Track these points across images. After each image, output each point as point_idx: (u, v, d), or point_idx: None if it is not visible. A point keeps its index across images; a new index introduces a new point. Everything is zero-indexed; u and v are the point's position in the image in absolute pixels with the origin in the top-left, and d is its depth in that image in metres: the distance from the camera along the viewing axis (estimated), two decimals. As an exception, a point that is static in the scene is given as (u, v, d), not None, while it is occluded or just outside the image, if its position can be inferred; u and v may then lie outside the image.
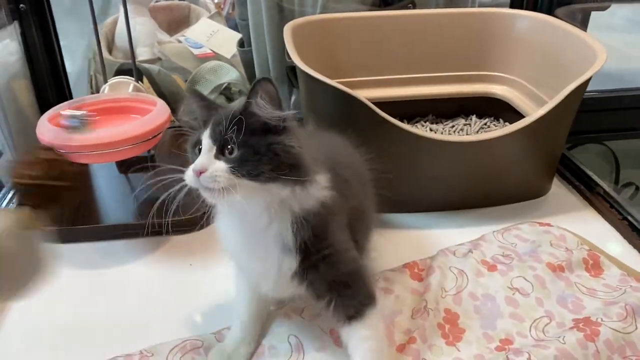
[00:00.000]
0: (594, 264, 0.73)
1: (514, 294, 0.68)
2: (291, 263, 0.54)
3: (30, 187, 0.41)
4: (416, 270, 0.72)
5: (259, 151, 0.50)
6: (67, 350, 0.65)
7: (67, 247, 0.81)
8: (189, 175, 0.51)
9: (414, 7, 1.07)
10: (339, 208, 0.56)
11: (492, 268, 0.72)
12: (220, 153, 0.51)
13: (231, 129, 0.50)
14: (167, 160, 0.94)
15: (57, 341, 0.66)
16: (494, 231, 0.79)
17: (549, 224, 0.80)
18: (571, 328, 0.62)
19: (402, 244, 0.81)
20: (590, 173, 0.93)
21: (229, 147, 0.51)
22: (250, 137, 0.51)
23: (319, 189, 0.54)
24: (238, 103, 0.54)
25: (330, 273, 0.55)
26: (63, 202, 0.42)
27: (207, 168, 0.50)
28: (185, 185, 0.51)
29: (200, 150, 0.52)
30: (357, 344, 0.56)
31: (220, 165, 0.50)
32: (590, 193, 0.90)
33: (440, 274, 0.70)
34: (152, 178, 0.56)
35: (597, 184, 0.90)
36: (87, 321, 0.69)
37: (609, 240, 0.81)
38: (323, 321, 0.63)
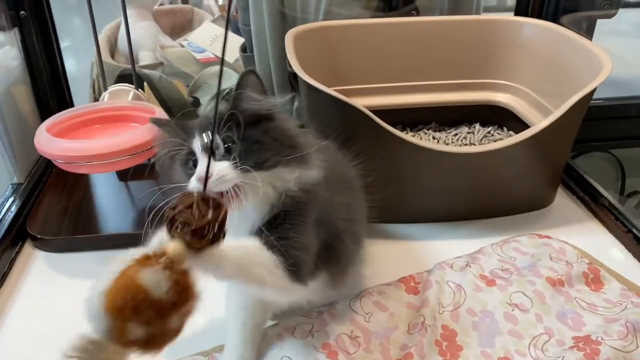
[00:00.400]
0: (594, 278, 0.72)
1: (512, 310, 0.67)
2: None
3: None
4: (412, 284, 0.71)
5: (257, 140, 0.50)
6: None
7: (67, 256, 0.81)
8: (192, 185, 0.49)
9: (418, 14, 1.06)
10: (321, 196, 0.55)
11: (490, 283, 0.70)
12: (226, 153, 0.50)
13: (224, 128, 0.50)
14: (166, 169, 0.95)
15: (53, 351, 0.66)
16: (492, 244, 0.78)
17: (548, 237, 0.79)
18: (571, 347, 0.61)
19: (401, 255, 0.80)
20: (595, 184, 0.91)
21: (225, 146, 0.50)
22: (245, 130, 0.50)
23: (316, 167, 0.53)
24: (212, 106, 0.54)
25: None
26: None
27: (211, 172, 0.48)
28: None
29: (195, 162, 0.51)
30: None
31: (224, 164, 0.49)
32: (595, 204, 0.88)
33: (437, 289, 0.69)
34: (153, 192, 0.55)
35: (601, 195, 0.89)
36: (81, 331, 0.68)
37: (613, 252, 0.80)
38: (316, 338, 0.62)
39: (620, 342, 0.60)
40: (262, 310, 0.62)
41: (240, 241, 0.50)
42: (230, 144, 0.50)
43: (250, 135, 0.50)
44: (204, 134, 0.51)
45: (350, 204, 0.62)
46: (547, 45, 0.93)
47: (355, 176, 0.65)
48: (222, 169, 0.49)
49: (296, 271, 0.51)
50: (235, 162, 0.49)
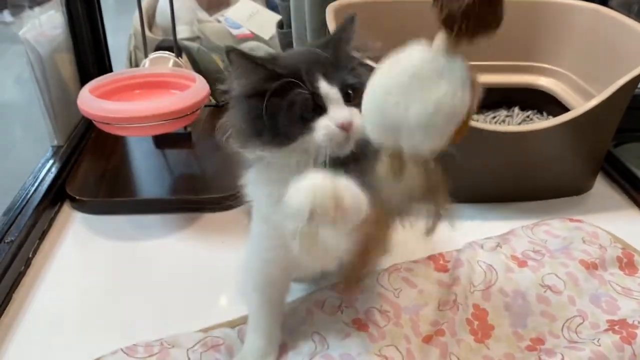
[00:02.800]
0: (628, 262, 0.71)
1: (545, 291, 0.66)
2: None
3: None
4: (441, 262, 0.70)
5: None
6: (94, 319, 0.66)
7: (103, 218, 0.82)
8: (329, 129, 0.45)
9: (461, -6, 1.04)
10: None
11: (522, 264, 0.69)
12: (346, 100, 0.46)
13: (349, 72, 0.46)
14: (204, 139, 0.95)
15: (85, 309, 0.68)
16: (522, 226, 0.77)
17: (580, 220, 0.77)
18: (606, 330, 0.60)
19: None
20: (635, 171, 0.89)
21: (349, 91, 0.46)
22: (363, 75, 0.46)
23: None
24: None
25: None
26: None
27: (352, 120, 0.45)
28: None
29: (314, 107, 0.45)
30: None
31: (357, 113, 0.45)
32: (636, 191, 0.86)
33: (468, 268, 0.68)
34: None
35: (643, 183, 0.87)
36: (116, 292, 0.70)
37: (654, 241, 0.78)
38: (345, 314, 0.62)
39: None
40: (285, 281, 0.59)
41: None
42: (351, 91, 0.46)
43: (362, 83, 0.44)
44: (329, 76, 0.46)
45: None
46: (595, 29, 0.91)
47: None
48: (358, 114, 0.45)
49: None
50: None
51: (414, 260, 0.71)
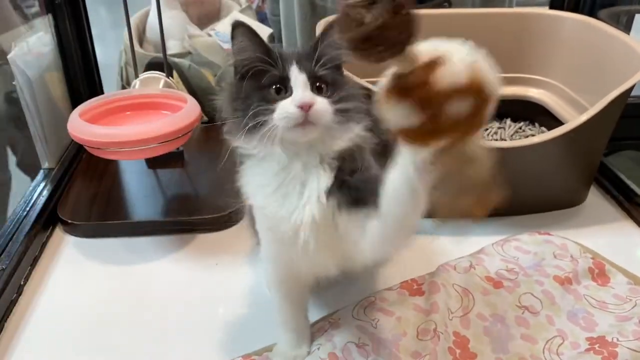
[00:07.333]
0: (599, 272, 0.71)
1: (523, 312, 0.65)
2: (326, 182, 0.51)
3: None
4: (415, 287, 0.68)
5: (350, 92, 0.51)
6: (88, 345, 0.65)
7: (96, 242, 0.82)
8: (288, 109, 0.48)
9: (450, 6, 1.04)
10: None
11: (497, 284, 0.68)
12: (315, 90, 0.50)
13: (321, 65, 0.50)
14: (197, 157, 0.95)
15: (79, 335, 0.67)
16: (492, 243, 0.75)
17: (548, 233, 0.76)
18: (587, 350, 0.60)
19: (425, 249, 0.78)
20: (629, 182, 0.89)
21: (320, 85, 0.50)
22: (338, 76, 0.51)
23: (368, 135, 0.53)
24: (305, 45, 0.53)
25: (360, 190, 0.50)
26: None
27: (313, 102, 0.48)
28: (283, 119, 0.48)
29: (277, 89, 0.49)
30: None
31: (325, 102, 0.49)
32: (629, 203, 0.86)
33: (444, 293, 0.65)
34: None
35: (636, 194, 0.87)
36: (109, 316, 0.69)
37: (648, 253, 0.78)
38: (322, 350, 0.60)
39: (636, 343, 0.59)
40: (299, 276, 0.59)
41: None
42: (323, 84, 0.50)
43: (342, 83, 0.51)
44: (301, 65, 0.50)
45: None
46: (584, 40, 0.91)
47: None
48: (324, 103, 0.49)
49: None
50: (334, 104, 0.49)
51: (386, 288, 0.69)
